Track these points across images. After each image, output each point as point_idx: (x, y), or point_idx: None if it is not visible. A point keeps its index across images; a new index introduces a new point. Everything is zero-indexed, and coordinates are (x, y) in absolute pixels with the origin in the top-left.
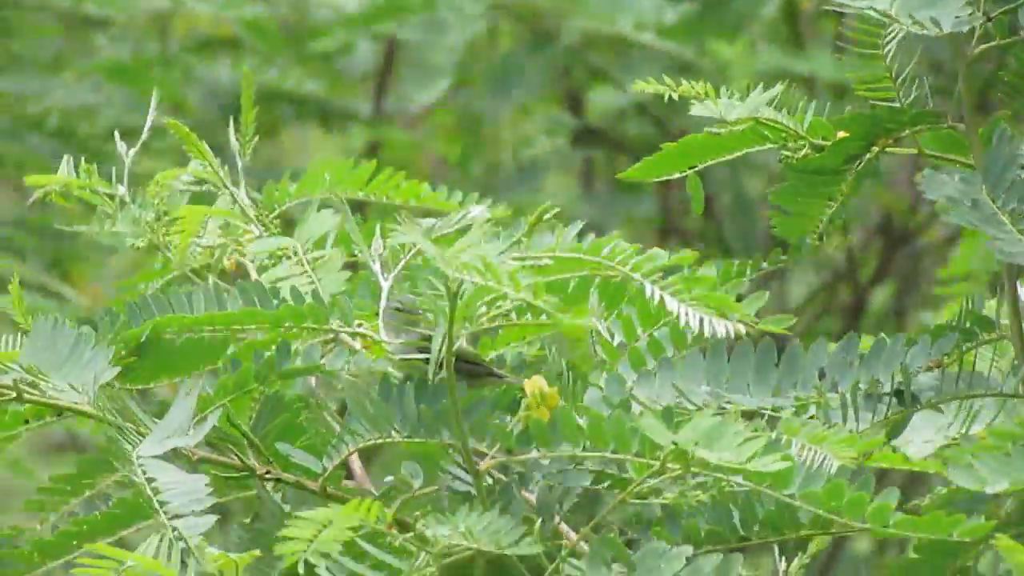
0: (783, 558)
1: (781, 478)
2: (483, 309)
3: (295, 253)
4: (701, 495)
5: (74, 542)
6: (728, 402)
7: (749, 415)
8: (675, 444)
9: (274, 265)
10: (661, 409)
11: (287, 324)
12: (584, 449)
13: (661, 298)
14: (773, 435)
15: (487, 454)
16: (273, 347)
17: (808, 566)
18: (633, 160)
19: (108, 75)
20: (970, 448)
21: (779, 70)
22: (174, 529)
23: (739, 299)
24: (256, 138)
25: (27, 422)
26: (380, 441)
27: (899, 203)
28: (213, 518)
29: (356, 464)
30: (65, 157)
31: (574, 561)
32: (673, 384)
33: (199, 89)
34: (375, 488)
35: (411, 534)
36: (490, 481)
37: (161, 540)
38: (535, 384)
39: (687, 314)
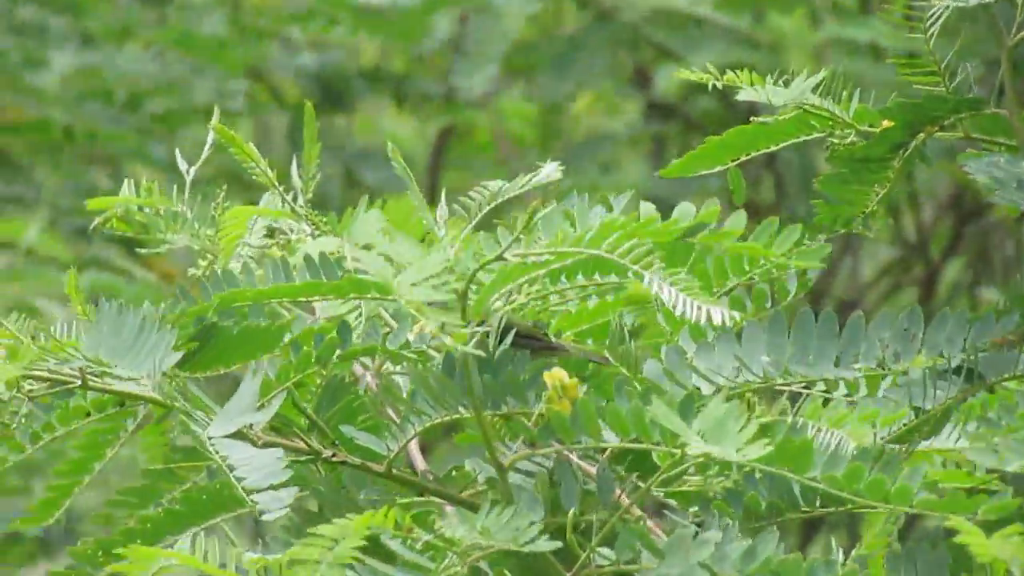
0: (839, 549)
1: (802, 462)
2: (497, 304)
3: (343, 258)
4: (725, 481)
5: (138, 540)
6: (789, 373)
7: (774, 394)
8: (679, 436)
9: None
10: (681, 397)
11: (351, 295)
12: (606, 440)
13: (659, 285)
14: (789, 419)
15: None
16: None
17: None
18: (704, 135)
19: (176, 44)
20: (995, 431)
21: (840, 40)
22: (255, 503)
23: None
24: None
25: (88, 414)
26: (447, 418)
27: (969, 178)
28: (295, 490)
29: (418, 457)
30: (126, 180)
31: (603, 551)
32: (735, 355)
33: (278, 61)
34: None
35: (433, 535)
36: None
37: (195, 537)
38: (555, 376)
39: (684, 303)
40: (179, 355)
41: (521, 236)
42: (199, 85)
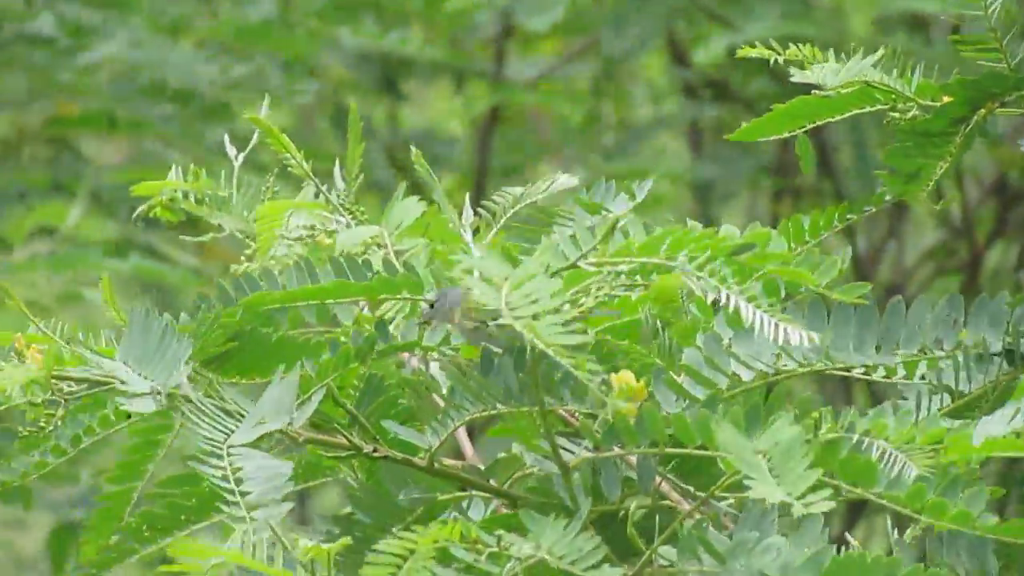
0: (895, 528)
1: (866, 479)
2: (566, 308)
3: (380, 245)
4: None
5: (182, 516)
6: (829, 359)
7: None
8: (744, 465)
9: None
10: (746, 409)
11: (383, 295)
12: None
13: (736, 304)
14: (855, 437)
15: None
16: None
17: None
18: (749, 114)
19: (236, 36)
20: None
21: (898, 9)
22: (252, 520)
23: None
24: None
25: (129, 416)
26: (485, 414)
27: (1014, 161)
28: (289, 506)
29: (467, 444)
30: (173, 167)
31: (664, 551)
32: (775, 342)
33: (331, 51)
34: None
35: (495, 548)
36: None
37: (246, 532)
38: (622, 379)
39: (762, 321)
40: (189, 368)
41: (597, 247)
42: (255, 81)
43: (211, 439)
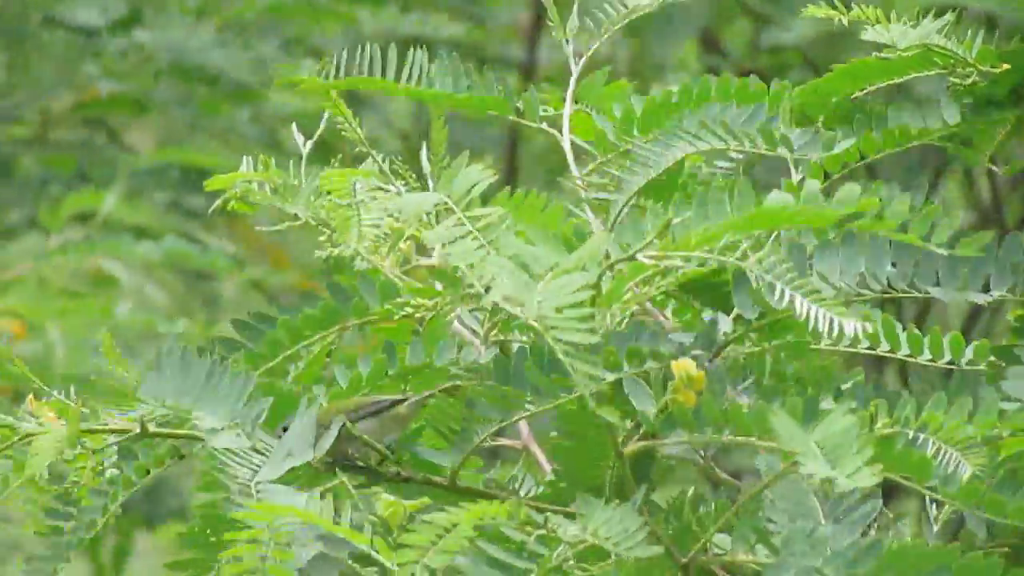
0: (933, 503)
1: (921, 473)
2: (628, 296)
3: (449, 210)
4: None
5: None
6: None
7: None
8: (798, 455)
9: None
10: (804, 400)
11: (473, 111)
12: (729, 434)
13: (791, 297)
14: (911, 433)
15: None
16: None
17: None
18: None
19: (270, 10)
20: None
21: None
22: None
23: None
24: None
25: (148, 472)
26: (516, 420)
27: None
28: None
29: (523, 424)
30: (245, 157)
31: (720, 536)
32: (866, 264)
33: (352, 35)
34: (543, 449)
35: (543, 531)
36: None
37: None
38: (682, 367)
39: (816, 315)
40: (267, 404)
41: (655, 240)
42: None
43: (240, 478)
